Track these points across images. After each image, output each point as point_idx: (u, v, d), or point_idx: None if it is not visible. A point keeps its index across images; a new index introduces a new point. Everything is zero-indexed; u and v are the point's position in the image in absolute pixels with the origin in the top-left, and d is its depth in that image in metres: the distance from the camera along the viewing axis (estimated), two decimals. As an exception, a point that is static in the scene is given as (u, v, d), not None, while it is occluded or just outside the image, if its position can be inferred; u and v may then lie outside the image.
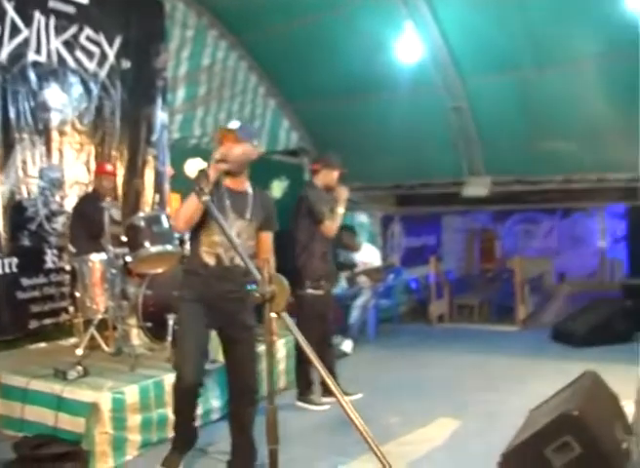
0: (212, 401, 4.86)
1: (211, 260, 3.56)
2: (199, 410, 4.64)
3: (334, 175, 5.38)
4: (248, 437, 3.71)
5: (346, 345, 7.34)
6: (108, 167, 5.95)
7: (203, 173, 3.05)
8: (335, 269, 5.54)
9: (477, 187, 8.72)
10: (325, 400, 5.33)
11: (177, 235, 5.03)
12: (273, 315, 2.02)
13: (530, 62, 7.13)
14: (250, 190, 3.73)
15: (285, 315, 2.03)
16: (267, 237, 3.84)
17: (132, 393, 4.18)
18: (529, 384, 5.75)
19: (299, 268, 5.14)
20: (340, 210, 5.28)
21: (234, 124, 3.68)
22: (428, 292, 10.12)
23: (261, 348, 5.44)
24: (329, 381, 1.94)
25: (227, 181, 3.63)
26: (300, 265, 5.12)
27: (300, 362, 5.38)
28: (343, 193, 5.35)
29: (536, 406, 4.04)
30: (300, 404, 5.26)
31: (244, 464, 3.70)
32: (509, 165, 8.47)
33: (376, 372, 6.30)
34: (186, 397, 3.66)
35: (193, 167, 3.10)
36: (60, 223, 6.11)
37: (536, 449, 3.33)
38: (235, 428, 3.74)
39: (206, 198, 2.73)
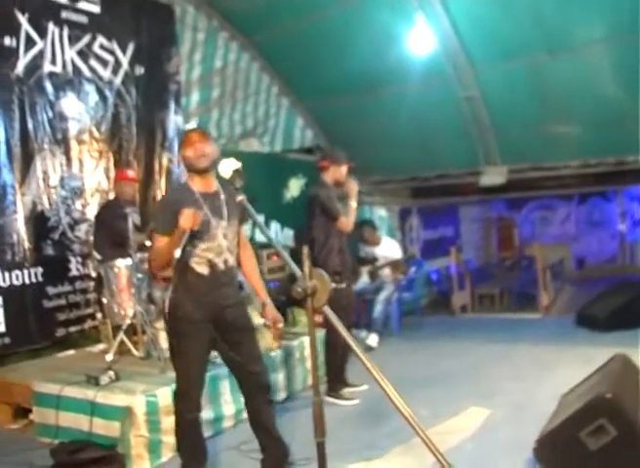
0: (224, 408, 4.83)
1: (204, 269, 3.41)
2: (232, 410, 4.71)
3: (342, 170, 5.39)
4: (273, 435, 3.67)
5: (372, 339, 7.36)
6: (130, 173, 5.97)
7: (237, 172, 3.00)
8: (353, 263, 5.55)
9: (494, 176, 8.71)
10: (348, 391, 5.37)
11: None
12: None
13: (541, 48, 7.09)
14: (220, 189, 3.51)
15: (327, 309, 2.04)
16: (243, 231, 3.74)
17: (164, 395, 4.21)
18: (555, 371, 5.75)
19: (319, 265, 5.15)
20: (353, 204, 5.29)
21: (192, 124, 3.63)
22: (449, 283, 10.13)
23: (293, 345, 5.60)
24: (373, 371, 1.94)
25: (198, 185, 3.44)
26: (321, 262, 5.12)
27: (331, 356, 5.40)
28: (354, 187, 5.35)
29: (567, 391, 4.04)
30: (329, 399, 5.26)
31: (276, 462, 3.66)
32: (524, 152, 8.44)
33: (402, 365, 6.31)
34: (195, 425, 3.55)
35: (228, 167, 3.05)
36: (82, 231, 6.18)
37: (570, 434, 3.33)
38: (258, 428, 3.66)
39: (241, 197, 2.73)
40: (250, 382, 3.58)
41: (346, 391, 5.36)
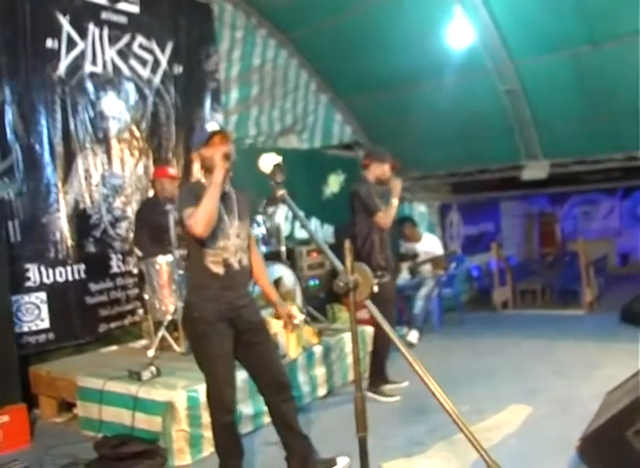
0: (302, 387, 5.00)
1: (219, 269, 3.35)
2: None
3: (384, 168, 5.35)
4: (295, 431, 3.63)
5: (412, 336, 7.33)
6: (171, 170, 6.02)
7: (278, 167, 2.98)
8: (393, 258, 5.53)
9: (535, 170, 8.59)
10: (388, 387, 5.36)
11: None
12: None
13: (583, 39, 6.94)
14: (231, 189, 3.49)
15: (369, 303, 2.02)
16: (252, 233, 3.71)
17: (205, 391, 4.24)
18: (600, 368, 5.64)
19: (362, 261, 5.13)
20: (395, 201, 5.25)
21: (214, 125, 3.56)
22: (490, 279, 10.02)
23: (332, 341, 5.60)
24: (415, 366, 1.92)
25: (210, 181, 3.33)
26: (363, 258, 5.10)
27: (374, 352, 5.39)
28: (397, 185, 5.32)
29: (612, 388, 3.96)
30: (370, 395, 5.24)
31: (302, 459, 3.63)
32: (567, 145, 8.30)
33: (443, 362, 6.26)
34: (229, 426, 3.50)
35: (268, 162, 3.03)
36: (123, 228, 6.27)
37: (615, 433, 3.25)
38: (280, 426, 3.63)
39: (282, 192, 2.72)
40: (269, 381, 3.54)
41: (387, 388, 5.34)
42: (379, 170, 5.35)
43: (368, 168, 5.43)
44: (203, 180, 3.43)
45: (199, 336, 3.39)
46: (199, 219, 3.17)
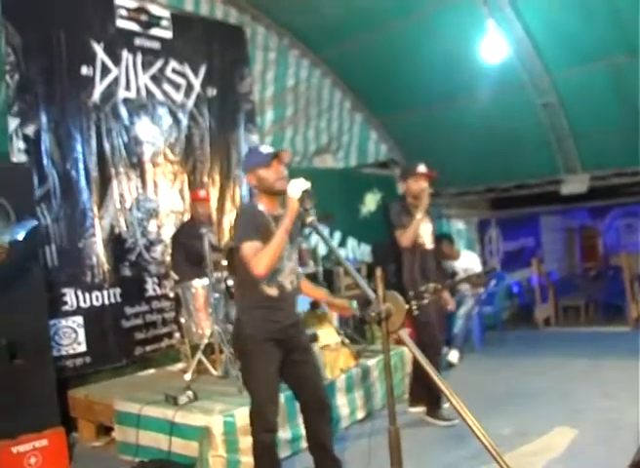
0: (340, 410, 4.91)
1: (273, 292, 3.37)
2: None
3: (419, 183, 5.14)
4: (330, 453, 3.62)
5: (453, 355, 7.18)
6: (202, 193, 6.05)
7: (307, 193, 2.92)
8: (432, 278, 5.33)
9: (575, 184, 8.44)
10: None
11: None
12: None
13: (620, 50, 6.84)
14: (283, 212, 3.34)
15: (403, 333, 1.96)
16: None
17: (242, 415, 4.18)
18: (648, 389, 5.45)
19: (401, 281, 5.04)
20: (418, 216, 5.00)
21: (267, 148, 3.50)
22: (532, 295, 9.84)
23: (371, 363, 5.51)
24: (450, 397, 1.85)
25: (266, 206, 3.37)
26: (402, 278, 5.02)
27: (425, 377, 5.22)
28: (423, 197, 5.05)
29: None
30: (429, 419, 5.11)
31: None
32: (607, 158, 8.15)
33: (484, 382, 6.12)
34: (270, 446, 3.48)
35: (297, 187, 2.96)
36: (158, 252, 6.30)
37: (667, 458, 3.13)
38: (316, 446, 3.62)
39: (312, 218, 2.68)
40: (312, 401, 3.55)
41: (445, 411, 5.09)
42: (414, 185, 5.15)
43: (403, 186, 5.34)
44: (260, 207, 3.38)
45: (247, 354, 3.42)
46: (263, 263, 3.12)
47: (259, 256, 3.13)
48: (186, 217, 6.40)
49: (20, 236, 3.87)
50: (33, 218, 4.21)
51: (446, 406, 5.17)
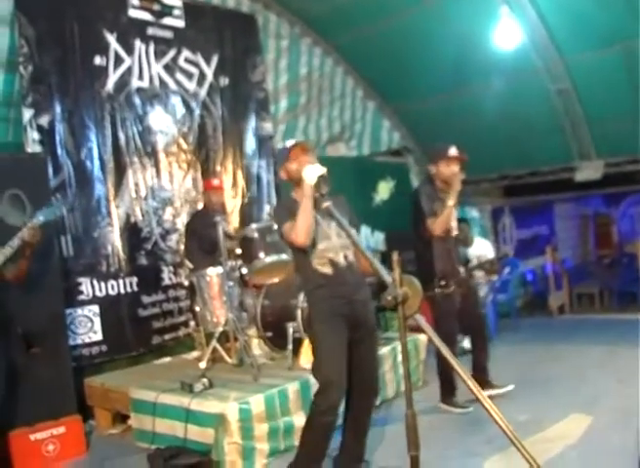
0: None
1: (328, 269, 3.49)
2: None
3: (451, 167, 4.93)
4: (361, 438, 3.67)
5: (467, 342, 7.16)
6: (215, 182, 6.06)
7: (323, 178, 2.98)
8: (459, 265, 5.20)
9: (589, 171, 8.37)
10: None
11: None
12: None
13: (635, 34, 6.72)
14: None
15: (419, 317, 1.96)
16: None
17: (257, 403, 4.22)
18: (664, 375, 5.43)
19: (425, 267, 4.95)
20: (450, 203, 4.83)
21: (292, 141, 3.61)
22: (546, 283, 9.80)
23: (384, 351, 5.51)
24: (468, 382, 1.85)
25: (301, 195, 3.43)
26: (426, 264, 4.94)
27: (443, 363, 5.13)
28: (454, 183, 4.87)
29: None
30: (443, 406, 5.09)
31: (351, 462, 3.68)
32: (621, 144, 8.06)
33: (499, 369, 6.07)
34: (330, 430, 3.49)
35: (313, 173, 3.01)
36: (173, 241, 6.33)
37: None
38: (351, 428, 3.66)
39: (327, 204, 2.70)
40: (362, 384, 3.59)
41: (459, 399, 5.06)
42: (436, 170, 5.01)
43: (433, 169, 5.08)
44: (294, 196, 3.57)
45: (316, 333, 3.55)
46: (299, 231, 3.34)
47: (295, 227, 3.36)
48: (200, 206, 6.43)
49: (51, 216, 4.02)
50: (59, 203, 4.30)
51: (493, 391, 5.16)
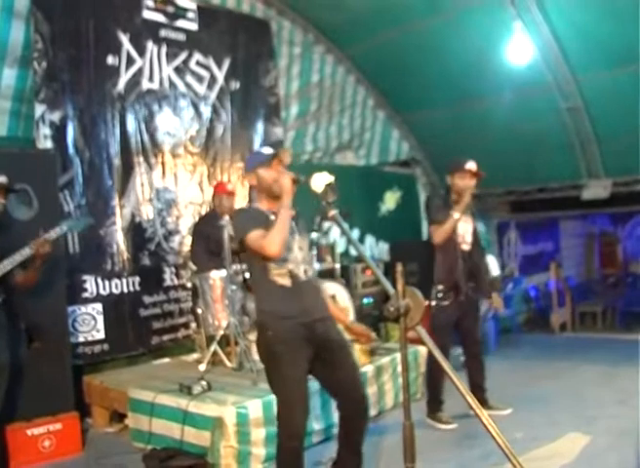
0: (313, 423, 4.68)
1: (286, 281, 3.26)
2: (321, 426, 4.65)
3: (465, 180, 4.97)
4: (357, 455, 3.47)
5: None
6: (229, 186, 6.06)
7: (330, 187, 2.93)
8: (466, 277, 5.09)
9: (597, 189, 8.36)
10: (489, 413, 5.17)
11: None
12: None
13: (647, 54, 6.76)
14: None
15: (420, 329, 1.95)
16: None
17: (255, 407, 4.22)
18: (664, 398, 5.40)
19: (434, 277, 4.99)
20: (455, 215, 4.88)
21: (269, 149, 3.53)
22: (548, 299, 9.78)
23: (384, 361, 5.51)
24: (466, 395, 1.85)
25: (265, 206, 3.37)
26: (434, 274, 4.98)
27: (431, 377, 5.18)
28: (464, 196, 4.92)
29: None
30: (429, 421, 5.09)
31: None
32: (630, 164, 8.03)
33: (498, 385, 6.06)
34: (295, 453, 3.29)
35: (320, 181, 2.99)
36: (176, 242, 6.35)
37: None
38: (346, 446, 3.48)
39: (334, 212, 2.69)
40: (351, 407, 3.38)
41: (444, 414, 5.10)
42: (451, 181, 5.04)
43: (449, 180, 5.11)
44: (258, 205, 3.41)
45: (272, 357, 3.28)
46: (274, 241, 3.10)
47: (269, 236, 3.12)
48: (204, 209, 6.45)
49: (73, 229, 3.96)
50: (90, 218, 4.27)
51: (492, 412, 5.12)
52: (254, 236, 3.18)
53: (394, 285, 2.02)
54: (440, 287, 4.97)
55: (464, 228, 5.08)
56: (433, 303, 4.92)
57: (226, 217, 5.43)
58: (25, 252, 3.90)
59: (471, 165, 5.01)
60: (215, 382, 4.76)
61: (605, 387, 5.95)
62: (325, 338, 3.32)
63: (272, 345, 3.25)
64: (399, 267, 1.96)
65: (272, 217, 3.26)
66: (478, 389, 5.18)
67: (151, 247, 6.13)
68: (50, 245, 3.96)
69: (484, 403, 5.15)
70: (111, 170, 5.82)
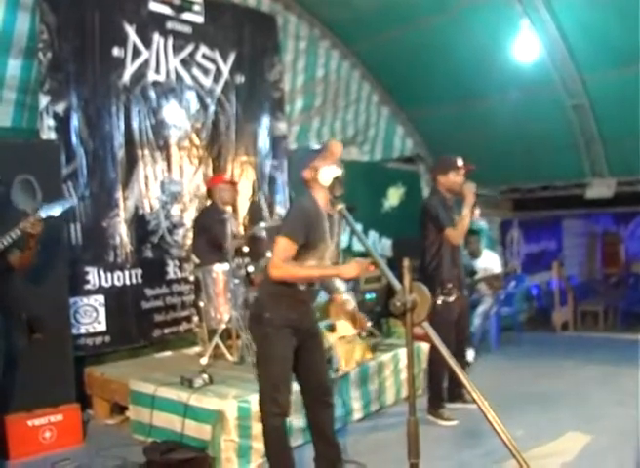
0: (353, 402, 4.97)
1: (303, 286, 3.43)
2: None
3: (450, 177, 5.03)
4: (330, 440, 3.65)
5: (468, 354, 7.12)
6: (226, 176, 6.05)
7: (338, 180, 2.93)
8: (464, 275, 5.25)
9: (601, 188, 8.35)
10: (451, 406, 5.20)
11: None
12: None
13: (655, 55, 6.74)
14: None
15: (426, 325, 1.94)
16: None
17: (256, 401, 4.20)
18: (665, 398, 5.39)
19: (429, 276, 4.97)
20: (467, 211, 4.91)
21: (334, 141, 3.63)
22: (550, 298, 9.76)
23: (386, 357, 5.50)
24: (472, 391, 1.83)
25: (322, 200, 3.38)
26: (431, 273, 4.98)
27: (431, 374, 5.23)
28: (469, 192, 4.95)
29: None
30: (430, 418, 5.09)
31: (329, 465, 3.65)
32: (634, 163, 8.03)
33: (499, 383, 6.08)
34: (282, 432, 3.49)
35: (328, 174, 2.98)
36: (180, 235, 6.33)
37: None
38: (317, 432, 3.65)
39: (341, 206, 2.68)
40: (316, 388, 3.58)
41: (446, 411, 5.12)
42: (444, 180, 5.07)
43: (436, 181, 5.19)
44: (318, 201, 3.39)
45: (264, 337, 3.43)
46: (281, 274, 3.26)
47: (285, 267, 3.23)
48: (209, 203, 6.43)
49: (56, 212, 3.98)
50: (71, 199, 4.28)
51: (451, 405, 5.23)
52: (283, 244, 3.25)
53: (399, 280, 2.00)
54: (449, 285, 4.99)
55: None
56: (439, 301, 4.92)
57: (229, 210, 5.42)
58: (15, 233, 3.91)
59: (461, 161, 5.08)
60: (216, 376, 4.76)
61: (606, 387, 5.94)
62: (308, 327, 3.54)
63: (266, 326, 3.40)
64: (406, 262, 1.95)
65: (326, 224, 3.37)
66: (459, 383, 5.19)
67: (154, 239, 6.12)
68: (40, 224, 3.95)
69: (461, 396, 5.28)
70: (115, 161, 5.80)
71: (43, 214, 3.95)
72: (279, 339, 3.39)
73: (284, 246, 3.24)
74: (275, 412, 3.40)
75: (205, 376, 4.61)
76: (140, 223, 6.00)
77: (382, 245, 8.72)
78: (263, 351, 3.46)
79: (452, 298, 5.00)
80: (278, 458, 3.51)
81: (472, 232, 7.99)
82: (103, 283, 5.66)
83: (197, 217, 5.98)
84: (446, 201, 5.08)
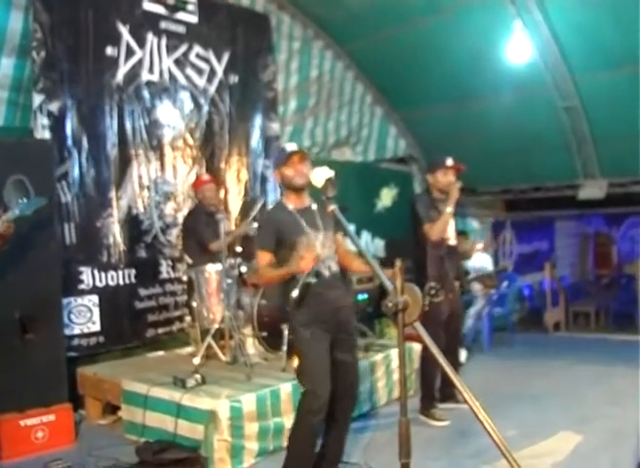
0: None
1: (311, 279, 3.52)
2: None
3: (448, 176, 5.05)
4: (342, 444, 3.75)
5: (461, 355, 7.16)
6: (205, 176, 6.04)
7: (330, 181, 2.97)
8: (452, 275, 5.22)
9: (592, 189, 8.38)
10: (443, 406, 5.22)
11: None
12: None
13: (646, 56, 6.77)
14: (313, 206, 3.67)
15: (418, 325, 1.95)
16: (341, 240, 3.80)
17: (249, 402, 4.22)
18: (657, 397, 5.42)
19: (419, 277, 4.97)
20: (448, 209, 4.92)
21: (293, 146, 3.73)
22: (542, 299, 9.80)
23: (377, 358, 5.51)
24: (463, 391, 1.85)
25: (292, 201, 3.64)
26: (420, 273, 4.99)
27: (423, 374, 5.25)
28: (453, 191, 4.96)
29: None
30: (422, 418, 5.11)
31: (331, 461, 3.73)
32: (626, 165, 8.07)
33: (491, 383, 6.11)
34: (316, 434, 3.58)
35: (320, 175, 3.00)
36: (173, 235, 6.33)
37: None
38: (331, 434, 3.71)
39: (333, 207, 2.71)
40: (344, 387, 3.60)
41: (438, 411, 5.14)
42: (433, 179, 5.12)
43: (428, 181, 5.25)
44: (288, 204, 3.64)
45: (299, 340, 3.59)
46: (260, 279, 3.70)
47: (257, 273, 3.65)
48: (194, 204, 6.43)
49: (28, 211, 3.95)
50: (44, 197, 4.24)
51: (442, 406, 5.25)
52: (260, 255, 3.60)
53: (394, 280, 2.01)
54: (433, 283, 4.99)
55: (451, 224, 5.17)
56: (426, 301, 4.93)
57: (222, 210, 5.41)
58: None
59: (450, 161, 5.11)
60: (209, 376, 4.77)
61: (598, 387, 5.97)
62: (344, 323, 3.64)
63: (301, 330, 3.55)
64: (398, 263, 1.96)
65: (301, 221, 3.55)
66: (450, 383, 5.21)
67: (148, 239, 6.11)
68: (11, 226, 3.92)
69: (453, 397, 5.30)
70: (108, 161, 5.78)
71: (11, 215, 3.92)
72: (312, 339, 3.51)
73: (259, 255, 3.60)
74: (315, 409, 3.44)
75: (197, 376, 4.62)
76: (133, 223, 5.99)
77: (375, 245, 8.73)
78: (300, 354, 3.62)
79: (438, 299, 4.99)
80: (303, 452, 3.57)
81: (461, 233, 8.03)
82: (97, 283, 5.65)
83: (185, 219, 5.96)
84: (435, 200, 5.10)
